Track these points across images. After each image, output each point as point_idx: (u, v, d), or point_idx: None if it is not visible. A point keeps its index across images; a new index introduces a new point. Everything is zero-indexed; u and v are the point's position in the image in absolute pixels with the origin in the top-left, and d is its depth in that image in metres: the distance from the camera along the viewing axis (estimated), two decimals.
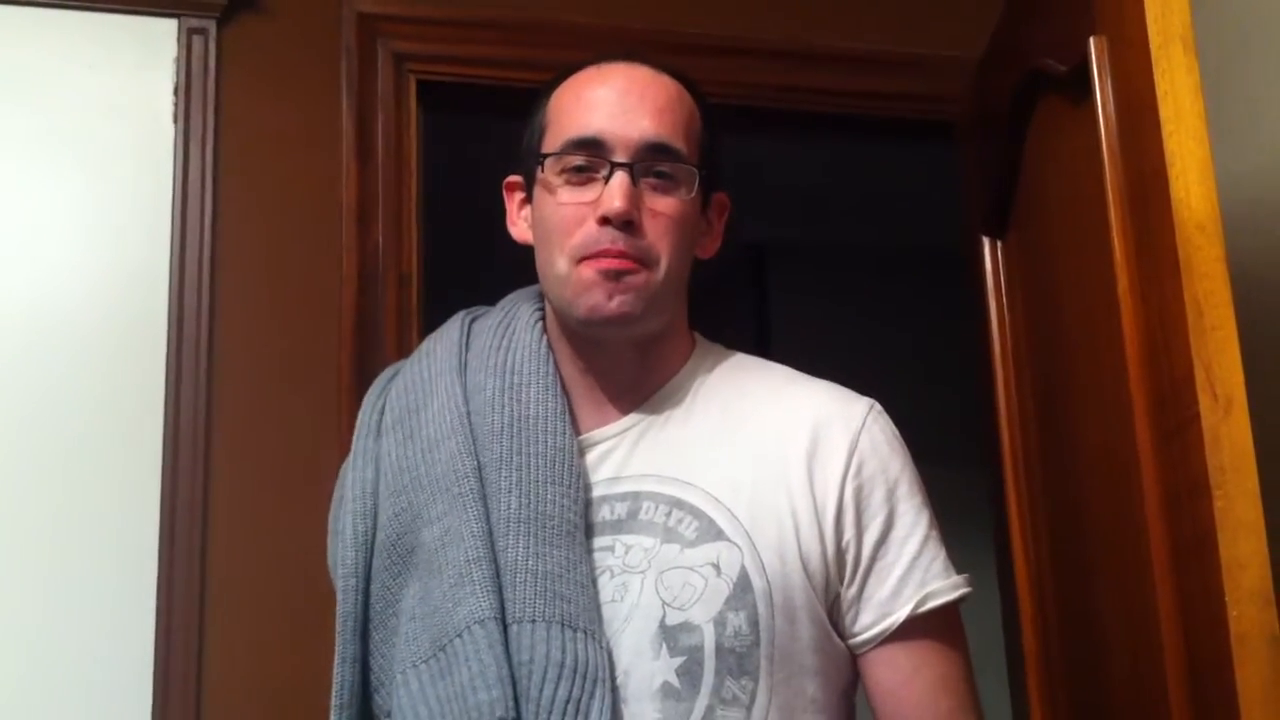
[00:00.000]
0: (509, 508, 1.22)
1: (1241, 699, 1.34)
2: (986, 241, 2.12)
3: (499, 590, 1.19)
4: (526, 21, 2.22)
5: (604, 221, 1.24)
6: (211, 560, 1.90)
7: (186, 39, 2.04)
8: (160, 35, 2.04)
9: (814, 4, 2.42)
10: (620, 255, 1.24)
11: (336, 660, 1.28)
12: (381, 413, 1.37)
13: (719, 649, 1.18)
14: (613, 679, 1.17)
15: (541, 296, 1.37)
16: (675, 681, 1.18)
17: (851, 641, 1.26)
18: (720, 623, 1.19)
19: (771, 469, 1.25)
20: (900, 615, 1.24)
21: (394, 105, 2.13)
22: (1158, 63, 1.53)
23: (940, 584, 1.26)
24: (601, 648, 1.18)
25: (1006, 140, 2.00)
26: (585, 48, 2.19)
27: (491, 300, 1.45)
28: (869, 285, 4.11)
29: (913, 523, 1.27)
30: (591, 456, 1.29)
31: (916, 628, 1.25)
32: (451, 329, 1.39)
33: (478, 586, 1.19)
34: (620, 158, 1.25)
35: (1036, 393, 1.98)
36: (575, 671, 1.16)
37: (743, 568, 1.20)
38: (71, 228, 1.97)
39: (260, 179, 2.05)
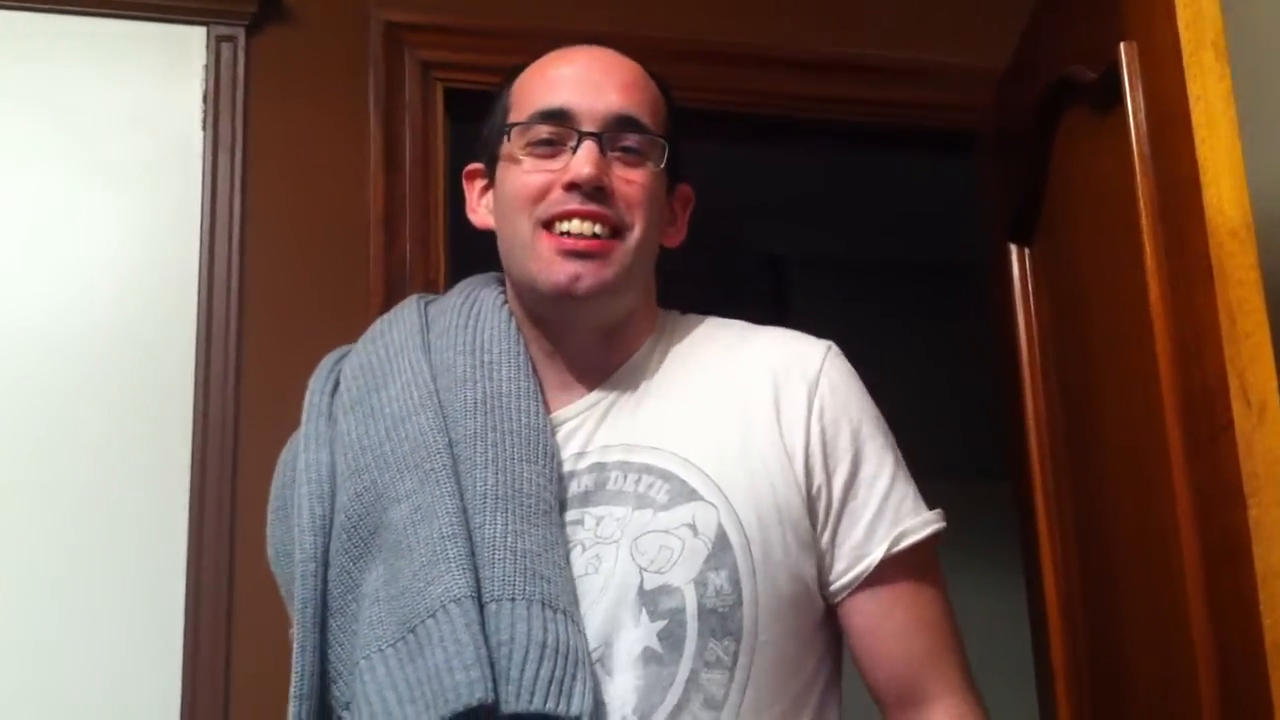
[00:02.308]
0: (485, 484, 1.19)
1: (1277, 709, 1.33)
2: (1014, 249, 2.11)
3: (475, 568, 1.15)
4: (552, 30, 2.21)
5: (571, 187, 1.23)
6: (239, 563, 1.90)
7: (215, 47, 2.05)
8: (189, 43, 2.05)
9: (837, 15, 2.42)
10: (589, 216, 1.22)
11: (295, 649, 1.22)
12: (333, 395, 1.33)
13: (701, 610, 1.16)
14: (591, 661, 1.14)
15: (502, 282, 1.35)
16: (657, 646, 1.15)
17: (829, 590, 1.24)
18: (701, 583, 1.16)
19: (738, 423, 1.24)
20: (876, 556, 1.22)
21: (420, 113, 2.13)
22: (1189, 69, 1.53)
23: (913, 521, 1.24)
24: (580, 630, 1.15)
25: (1033, 148, 1.99)
26: None
27: None
28: (890, 296, 4.10)
29: (879, 461, 1.25)
30: (559, 435, 1.26)
31: (891, 569, 1.23)
32: (407, 312, 1.36)
33: (453, 564, 1.14)
34: (588, 127, 1.24)
35: (1063, 401, 1.97)
36: (557, 651, 1.12)
37: (719, 525, 1.18)
38: (100, 235, 1.98)
39: (288, 186, 2.06)
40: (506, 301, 1.33)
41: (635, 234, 1.25)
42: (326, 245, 2.06)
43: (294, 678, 1.22)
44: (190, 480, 1.90)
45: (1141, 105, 1.63)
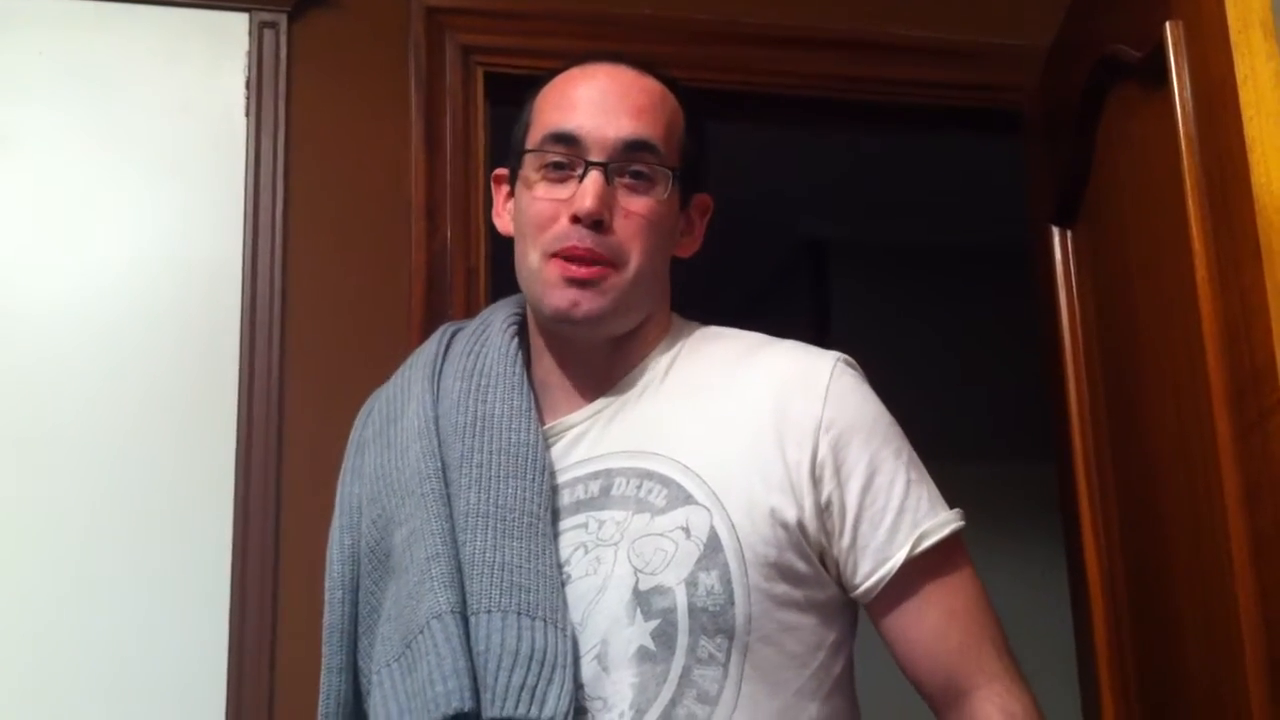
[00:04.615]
0: (469, 503, 1.25)
1: None
2: (1056, 231, 2.10)
3: (460, 584, 1.21)
4: (592, 14, 2.22)
5: (575, 220, 1.27)
6: (285, 551, 1.90)
7: (258, 33, 2.05)
8: (232, 29, 2.05)
9: None
10: (588, 255, 1.27)
11: (323, 669, 1.32)
12: (364, 428, 1.42)
13: (692, 609, 1.19)
14: (575, 664, 1.18)
15: (522, 302, 1.41)
16: (651, 645, 1.19)
17: (855, 593, 1.27)
18: (692, 583, 1.20)
19: (739, 434, 1.26)
20: (898, 559, 1.25)
21: (461, 98, 2.13)
22: (1237, 48, 1.51)
23: (932, 522, 1.26)
24: (564, 634, 1.19)
25: (1077, 129, 1.97)
26: (650, 40, 2.22)
27: None
28: (931, 281, 4.08)
29: (894, 466, 1.27)
30: (564, 441, 1.32)
31: (916, 569, 1.25)
32: (431, 343, 1.43)
33: (436, 582, 1.21)
34: (595, 157, 1.28)
35: (1107, 384, 1.96)
36: (531, 658, 1.17)
37: (712, 528, 1.21)
38: (144, 221, 1.99)
39: (330, 172, 2.06)
40: (517, 321, 1.39)
41: (632, 266, 1.30)
42: (368, 231, 2.07)
43: (321, 697, 1.32)
44: (235, 466, 1.91)
45: (1188, 84, 1.61)
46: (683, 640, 1.19)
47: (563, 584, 1.22)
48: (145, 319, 1.95)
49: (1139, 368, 1.82)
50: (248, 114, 2.03)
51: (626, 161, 1.29)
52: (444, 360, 1.38)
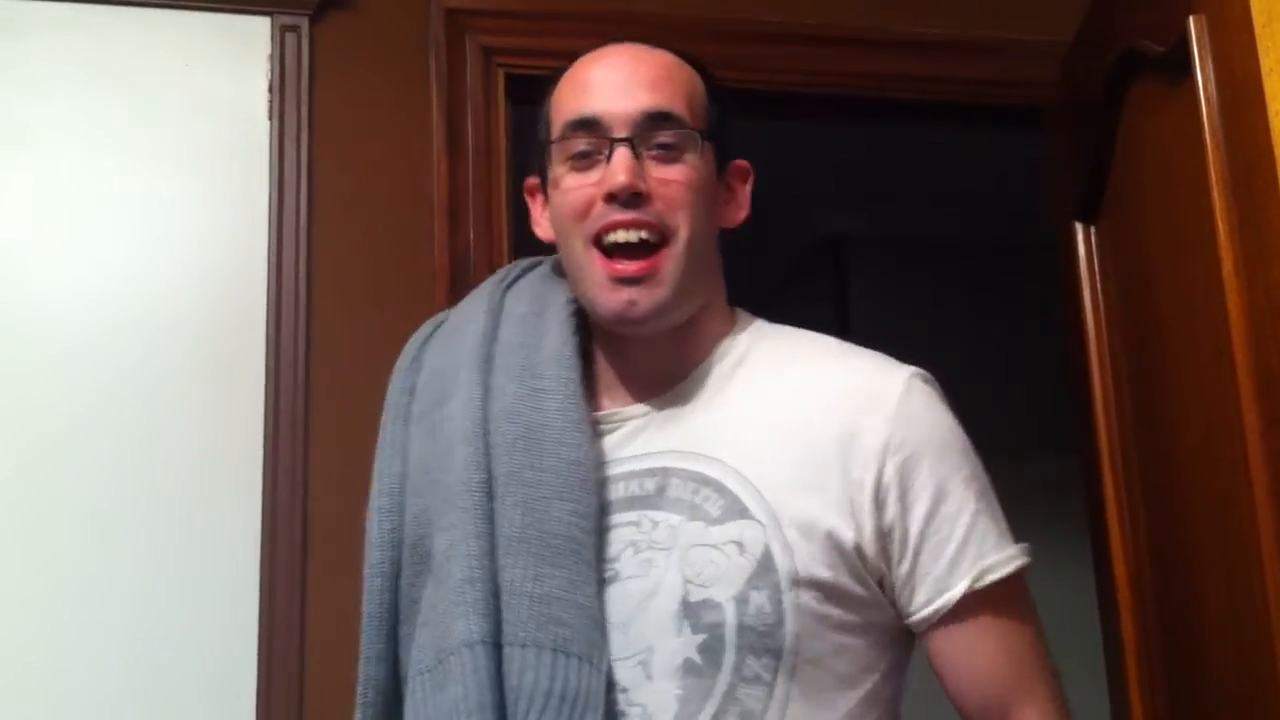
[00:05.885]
0: (513, 525, 1.20)
1: None
2: (1079, 227, 2.09)
3: (495, 611, 1.17)
4: (612, 13, 2.23)
5: (610, 199, 1.23)
6: (313, 552, 1.92)
7: (280, 36, 2.06)
8: (254, 32, 2.06)
9: None
10: (633, 223, 1.22)
11: (361, 658, 1.28)
12: (411, 394, 1.35)
13: (740, 627, 1.15)
14: (608, 705, 1.15)
15: None
16: (697, 658, 1.16)
17: (910, 620, 1.22)
18: (742, 601, 1.16)
19: (801, 448, 1.21)
20: (957, 592, 1.20)
21: (482, 99, 2.14)
22: (1261, 42, 1.51)
23: (996, 557, 1.21)
24: (599, 672, 1.15)
25: (1100, 123, 1.97)
26: (670, 39, 2.20)
27: None
28: (950, 276, 4.07)
29: (963, 495, 1.22)
30: (622, 432, 1.27)
31: (976, 602, 1.20)
32: (480, 306, 1.35)
33: (470, 608, 1.17)
34: (619, 133, 1.24)
35: (1131, 379, 1.95)
36: (564, 700, 1.13)
37: (766, 546, 1.17)
38: (169, 224, 2.00)
39: (353, 174, 2.07)
40: (577, 309, 1.32)
41: (682, 236, 1.24)
42: (391, 232, 2.08)
43: (359, 687, 1.28)
44: (262, 466, 1.92)
45: (1212, 79, 1.61)
46: (729, 658, 1.15)
47: (606, 581, 1.19)
48: (171, 321, 1.96)
49: (1164, 363, 1.82)
50: (271, 116, 2.04)
51: (651, 133, 1.24)
52: (495, 342, 1.31)
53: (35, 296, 1.94)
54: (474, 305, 1.37)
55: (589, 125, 1.25)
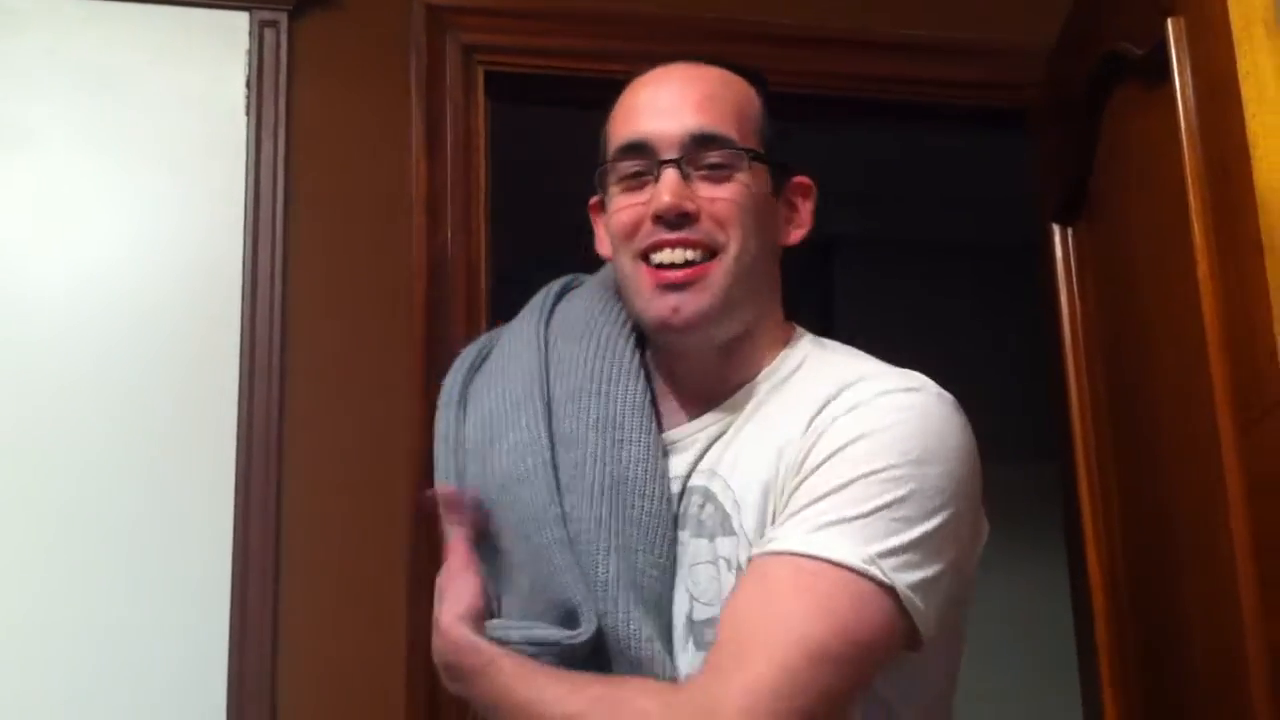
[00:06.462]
0: (609, 571, 1.19)
1: None
2: (1057, 229, 2.09)
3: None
4: (593, 12, 2.22)
5: (657, 219, 1.24)
6: (286, 547, 1.91)
7: (259, 32, 2.05)
8: (233, 28, 2.05)
9: None
10: (679, 242, 1.22)
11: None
12: (459, 424, 1.35)
13: None
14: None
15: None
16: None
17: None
18: None
19: (774, 459, 1.19)
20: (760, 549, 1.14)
21: (462, 97, 2.13)
22: (1239, 44, 1.51)
23: (792, 541, 1.11)
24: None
25: (1081, 126, 1.97)
26: (652, 38, 2.22)
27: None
28: (936, 277, 4.07)
29: (845, 474, 1.12)
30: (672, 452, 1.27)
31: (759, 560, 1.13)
32: (528, 336, 1.35)
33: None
34: (666, 154, 1.24)
35: (1110, 381, 1.95)
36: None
37: (740, 560, 1.17)
38: (145, 219, 1.99)
39: (331, 171, 2.06)
40: (634, 338, 1.32)
41: (731, 251, 1.24)
42: (369, 228, 2.07)
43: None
44: (235, 465, 1.91)
45: (1190, 81, 1.61)
46: None
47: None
48: (146, 317, 1.95)
49: (1142, 365, 1.82)
50: (248, 112, 2.03)
51: (699, 154, 1.24)
52: (549, 371, 1.31)
53: (12, 290, 1.93)
54: (520, 335, 1.37)
55: (638, 149, 1.26)
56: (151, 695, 1.83)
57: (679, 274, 1.23)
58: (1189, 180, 1.59)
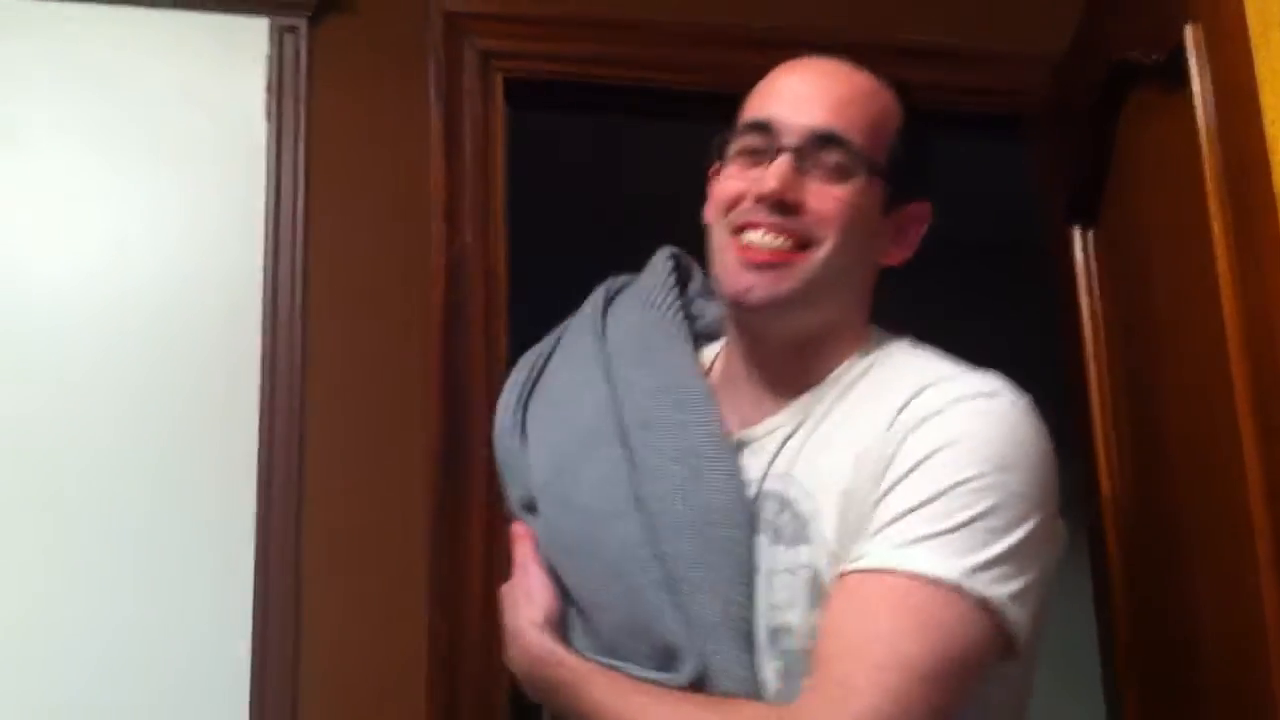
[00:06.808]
0: (709, 611, 1.17)
1: None
2: (1076, 233, 2.09)
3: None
4: (611, 18, 2.23)
5: (759, 200, 1.24)
6: (306, 546, 1.92)
7: (278, 38, 2.06)
8: (252, 34, 2.07)
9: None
10: (771, 228, 1.22)
11: None
12: (523, 452, 1.34)
13: (808, 651, 1.14)
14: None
15: (688, 318, 1.37)
16: (779, 683, 1.16)
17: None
18: (808, 625, 1.16)
19: (854, 466, 1.18)
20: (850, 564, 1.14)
21: (480, 103, 2.14)
22: (1257, 50, 1.51)
23: (885, 556, 1.11)
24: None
25: (1096, 131, 1.97)
26: (668, 44, 2.22)
27: (578, 295, 1.46)
28: (934, 278, 4.07)
29: (941, 478, 1.12)
30: (744, 453, 1.27)
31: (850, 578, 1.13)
32: (586, 355, 1.35)
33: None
34: (786, 141, 1.24)
35: (1128, 386, 1.95)
36: None
37: (816, 568, 1.17)
38: (166, 225, 2.01)
39: (350, 176, 2.08)
40: (689, 345, 1.33)
41: (825, 249, 1.23)
42: (388, 234, 2.08)
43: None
44: (257, 465, 1.93)
45: (1209, 87, 1.61)
46: (804, 682, 1.13)
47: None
48: (167, 322, 1.97)
49: (1161, 371, 1.82)
50: (268, 118, 2.05)
51: (818, 152, 1.24)
52: (615, 392, 1.30)
53: (36, 293, 1.94)
54: (575, 365, 1.37)
55: (763, 128, 1.27)
56: (174, 694, 1.85)
57: (764, 255, 1.23)
58: (1208, 187, 1.59)
